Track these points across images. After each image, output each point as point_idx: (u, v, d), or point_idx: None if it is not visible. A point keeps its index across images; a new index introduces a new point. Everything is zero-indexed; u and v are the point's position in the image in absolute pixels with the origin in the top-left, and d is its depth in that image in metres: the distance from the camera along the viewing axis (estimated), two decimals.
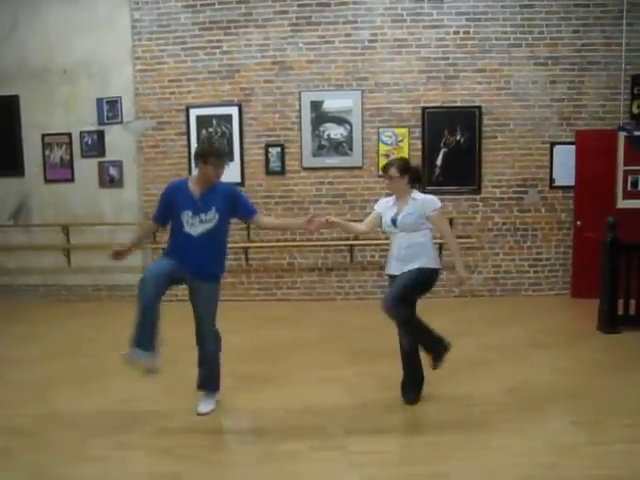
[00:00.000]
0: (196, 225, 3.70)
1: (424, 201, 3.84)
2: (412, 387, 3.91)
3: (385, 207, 3.96)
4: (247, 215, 3.93)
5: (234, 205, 3.81)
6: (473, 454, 3.13)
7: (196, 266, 3.76)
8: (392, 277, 3.91)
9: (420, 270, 3.77)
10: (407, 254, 3.80)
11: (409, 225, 3.79)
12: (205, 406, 3.82)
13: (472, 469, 2.98)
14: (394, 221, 3.83)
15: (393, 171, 3.86)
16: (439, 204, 3.85)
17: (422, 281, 3.82)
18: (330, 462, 3.12)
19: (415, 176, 3.94)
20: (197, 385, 3.90)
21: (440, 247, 6.99)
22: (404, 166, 3.89)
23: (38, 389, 4.25)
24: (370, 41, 6.81)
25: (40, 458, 3.19)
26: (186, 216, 3.71)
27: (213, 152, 3.77)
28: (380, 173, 6.84)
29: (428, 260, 3.79)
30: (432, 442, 3.29)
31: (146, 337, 3.74)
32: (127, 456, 3.21)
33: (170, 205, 3.79)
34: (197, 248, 3.72)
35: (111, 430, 3.53)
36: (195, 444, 3.36)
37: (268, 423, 3.64)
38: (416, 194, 3.87)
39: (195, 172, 3.84)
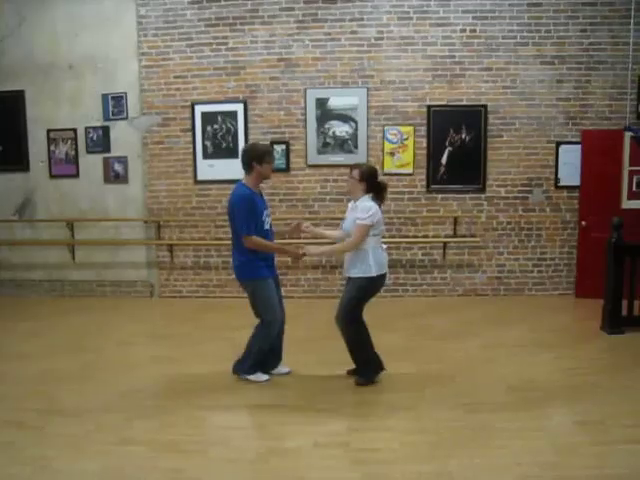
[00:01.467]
0: (267, 221, 4.14)
1: (359, 208, 3.93)
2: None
3: (348, 210, 4.17)
4: None
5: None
6: (475, 453, 3.13)
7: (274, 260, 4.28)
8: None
9: (355, 282, 3.97)
10: (348, 258, 4.02)
11: (348, 230, 3.98)
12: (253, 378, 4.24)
13: (474, 468, 2.98)
14: (343, 225, 4.07)
15: (355, 173, 4.00)
16: (367, 215, 3.86)
17: (358, 296, 3.99)
18: (333, 459, 3.13)
19: (374, 189, 4.02)
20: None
21: (444, 246, 7.01)
22: (367, 174, 3.98)
23: (42, 384, 4.27)
24: (376, 39, 6.80)
25: (44, 452, 3.21)
26: (265, 215, 4.11)
27: (267, 151, 4.17)
28: (386, 171, 6.88)
29: (364, 268, 3.92)
30: (434, 441, 3.29)
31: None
32: (130, 451, 3.22)
33: (255, 212, 4.04)
34: (271, 241, 4.21)
35: (114, 425, 3.55)
36: (198, 439, 3.37)
37: (271, 419, 3.65)
38: (362, 200, 3.98)
39: (245, 177, 4.12)
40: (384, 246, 4.12)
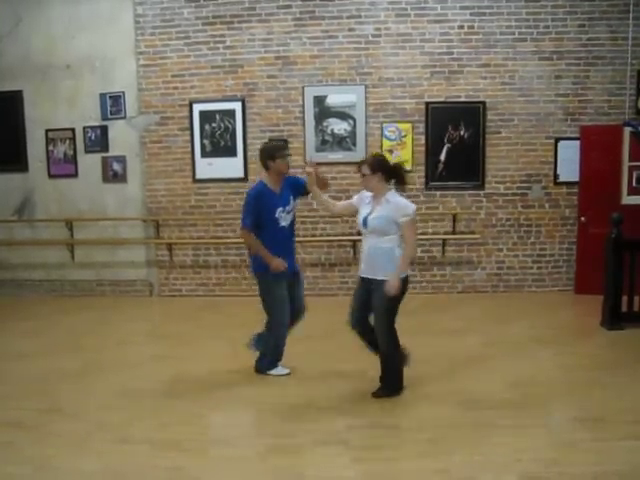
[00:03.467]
0: (285, 218, 4.12)
1: (397, 205, 3.66)
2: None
3: (362, 202, 3.84)
4: (304, 186, 4.16)
5: (295, 185, 4.20)
6: (475, 450, 3.13)
7: (292, 256, 4.25)
8: (363, 279, 3.82)
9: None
10: (374, 259, 3.71)
11: (378, 228, 3.67)
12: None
13: (474, 465, 2.98)
14: (365, 221, 3.73)
15: (365, 168, 3.72)
16: (411, 210, 3.67)
17: (394, 301, 3.70)
18: (332, 457, 3.13)
19: (391, 174, 3.74)
20: None
21: (443, 243, 7.01)
22: (376, 163, 3.73)
23: (41, 383, 4.27)
24: (374, 36, 6.78)
25: (44, 451, 3.21)
26: (279, 212, 4.09)
27: (277, 147, 4.23)
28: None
29: (392, 270, 3.64)
30: (433, 438, 3.29)
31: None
32: (130, 450, 3.22)
33: (260, 209, 4.05)
34: (289, 239, 4.21)
35: (115, 424, 3.55)
36: (198, 438, 3.37)
37: (271, 417, 3.65)
38: (392, 196, 3.71)
39: (264, 174, 4.19)
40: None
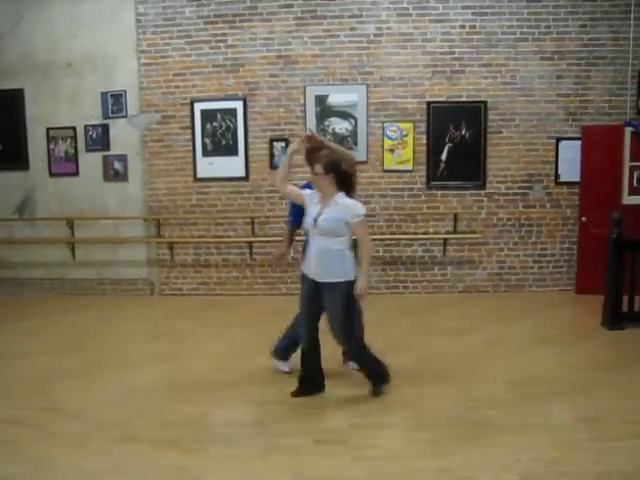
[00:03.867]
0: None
1: (347, 206, 3.60)
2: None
3: (310, 201, 3.74)
4: None
5: None
6: (475, 450, 3.13)
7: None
8: (311, 281, 3.73)
9: (340, 289, 3.60)
10: (325, 261, 3.63)
11: (329, 230, 3.60)
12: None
13: (475, 464, 2.99)
14: (315, 221, 3.63)
15: (318, 167, 3.62)
16: (362, 211, 3.64)
17: (349, 303, 3.65)
18: (333, 456, 3.13)
19: (343, 179, 3.65)
20: None
21: (444, 242, 7.01)
22: (331, 164, 3.62)
23: (42, 382, 4.27)
24: (375, 35, 6.78)
25: (45, 450, 3.21)
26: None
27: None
28: (386, 167, 6.88)
29: (344, 272, 3.61)
30: (435, 437, 3.29)
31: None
32: (132, 449, 3.23)
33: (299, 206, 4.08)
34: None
35: (115, 423, 3.55)
36: (199, 437, 3.38)
37: (271, 417, 3.65)
38: (340, 197, 3.63)
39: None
40: None
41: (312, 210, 3.70)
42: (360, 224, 3.64)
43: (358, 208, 3.64)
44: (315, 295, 3.73)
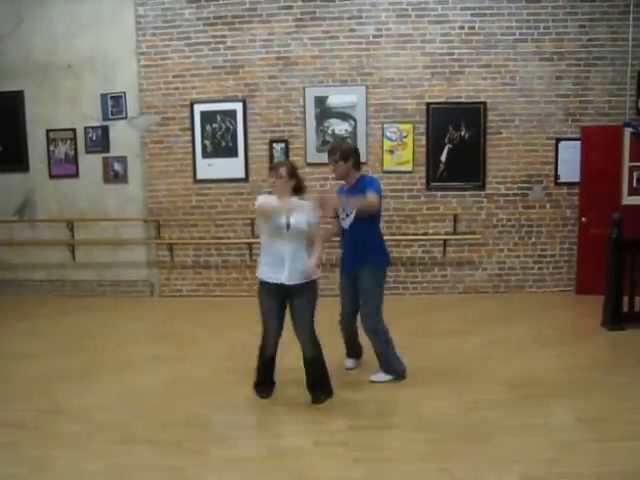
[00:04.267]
0: (342, 216, 4.16)
1: (307, 207, 3.69)
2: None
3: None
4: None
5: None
6: (476, 451, 3.13)
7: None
8: (281, 286, 3.70)
9: (310, 289, 3.76)
10: (297, 264, 3.66)
11: (301, 231, 3.66)
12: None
13: (475, 465, 2.99)
14: (288, 225, 3.63)
15: (283, 171, 3.67)
16: (317, 214, 3.76)
17: (315, 301, 3.83)
18: (334, 458, 3.13)
19: (298, 185, 3.77)
20: None
21: (444, 243, 7.01)
22: (293, 170, 3.73)
23: (42, 384, 4.27)
24: (375, 36, 6.79)
25: (45, 452, 3.21)
26: (340, 212, 4.19)
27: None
28: (385, 168, 6.88)
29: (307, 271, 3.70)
30: (434, 438, 3.29)
31: None
32: (132, 450, 3.23)
33: None
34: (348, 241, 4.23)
35: (116, 424, 3.55)
36: (200, 438, 3.37)
37: (271, 418, 3.65)
38: (296, 200, 3.70)
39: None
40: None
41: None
42: (318, 224, 3.80)
43: (312, 210, 3.71)
44: (284, 300, 3.83)
